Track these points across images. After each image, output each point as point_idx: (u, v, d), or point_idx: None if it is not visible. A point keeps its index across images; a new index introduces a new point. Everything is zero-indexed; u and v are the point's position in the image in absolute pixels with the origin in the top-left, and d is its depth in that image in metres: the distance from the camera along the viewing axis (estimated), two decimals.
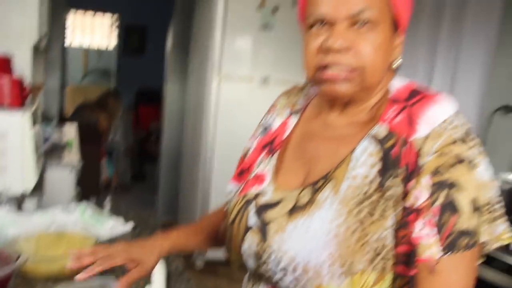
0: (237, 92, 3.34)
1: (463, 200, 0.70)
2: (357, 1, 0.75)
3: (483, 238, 0.70)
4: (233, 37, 3.26)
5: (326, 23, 0.77)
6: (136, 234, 1.56)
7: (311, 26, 0.79)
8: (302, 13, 0.83)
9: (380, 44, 0.77)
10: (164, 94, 4.26)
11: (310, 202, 0.78)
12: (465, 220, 0.69)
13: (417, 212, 0.71)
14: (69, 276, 1.24)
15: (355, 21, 0.76)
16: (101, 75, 8.65)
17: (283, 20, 3.28)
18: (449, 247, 0.69)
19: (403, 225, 0.72)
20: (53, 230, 1.41)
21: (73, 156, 2.59)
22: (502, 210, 0.73)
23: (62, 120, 4.21)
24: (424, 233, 0.70)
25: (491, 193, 0.72)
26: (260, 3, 3.21)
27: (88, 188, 4.23)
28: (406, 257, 0.72)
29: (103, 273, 1.28)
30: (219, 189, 3.15)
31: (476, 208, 0.70)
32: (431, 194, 0.70)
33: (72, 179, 2.38)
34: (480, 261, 0.75)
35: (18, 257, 1.16)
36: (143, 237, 1.53)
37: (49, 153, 2.52)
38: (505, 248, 0.75)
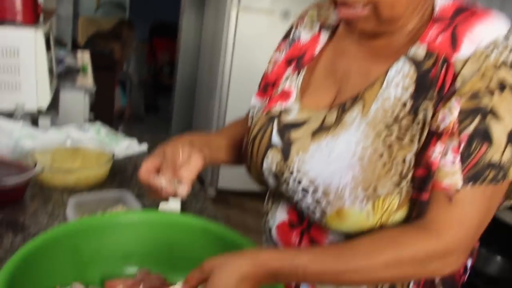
0: (256, 26, 3.23)
1: (498, 131, 0.64)
2: None
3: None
4: None
5: None
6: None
7: None
8: None
9: None
10: (180, 27, 4.15)
11: (336, 123, 0.73)
12: (496, 152, 0.64)
13: (441, 134, 0.66)
14: (84, 188, 1.24)
15: None
16: (114, 8, 8.46)
17: None
18: (473, 178, 0.64)
19: (424, 147, 0.68)
20: (68, 145, 1.39)
21: (87, 80, 2.56)
22: None
23: (75, 48, 4.14)
24: (447, 159, 0.65)
25: None
26: None
27: (101, 116, 4.24)
28: (422, 182, 0.68)
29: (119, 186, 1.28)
30: None
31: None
32: (462, 119, 0.65)
33: (86, 102, 2.36)
34: (509, 203, 0.71)
35: (35, 166, 1.16)
36: None
37: (63, 76, 2.49)
38: None
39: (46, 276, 0.75)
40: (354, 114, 0.73)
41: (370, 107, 0.72)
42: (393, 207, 0.69)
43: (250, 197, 3.39)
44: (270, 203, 0.88)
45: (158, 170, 0.76)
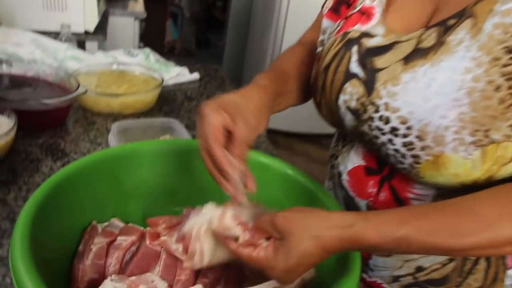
0: None
1: None
2: None
3: None
4: None
5: None
6: (203, 84, 1.42)
7: None
8: None
9: None
10: None
11: (437, 46, 0.57)
12: None
13: None
14: (130, 115, 1.14)
15: None
16: None
17: None
18: None
19: None
20: (115, 69, 1.29)
21: (137, 6, 2.43)
22: None
23: None
24: None
25: None
26: None
27: (152, 49, 4.16)
28: None
29: (166, 115, 1.18)
30: None
31: None
32: None
33: (136, 28, 2.25)
34: None
35: (77, 88, 1.06)
36: (211, 88, 1.40)
37: (113, 0, 2.38)
38: None
39: (82, 207, 0.65)
40: (461, 34, 0.56)
41: (483, 25, 0.54)
42: (507, 157, 0.54)
43: (300, 139, 3.27)
44: (341, 145, 0.73)
45: (226, 130, 0.60)
